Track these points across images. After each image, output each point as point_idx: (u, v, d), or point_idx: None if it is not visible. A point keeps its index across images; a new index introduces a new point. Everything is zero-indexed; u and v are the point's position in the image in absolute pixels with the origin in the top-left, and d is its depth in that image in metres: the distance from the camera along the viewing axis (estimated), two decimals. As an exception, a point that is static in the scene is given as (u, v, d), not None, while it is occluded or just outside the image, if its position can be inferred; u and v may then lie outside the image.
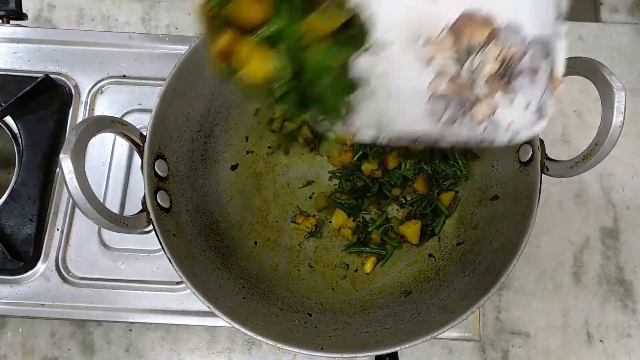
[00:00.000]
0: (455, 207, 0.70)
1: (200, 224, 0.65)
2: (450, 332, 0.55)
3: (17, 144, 0.74)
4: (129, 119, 0.76)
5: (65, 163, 0.44)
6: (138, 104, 0.77)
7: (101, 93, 0.78)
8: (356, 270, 0.70)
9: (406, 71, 0.37)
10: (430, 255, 0.69)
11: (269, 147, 0.75)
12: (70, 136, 0.45)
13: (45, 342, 0.73)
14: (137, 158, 0.73)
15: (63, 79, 0.78)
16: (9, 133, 0.74)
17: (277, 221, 0.73)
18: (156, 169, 0.58)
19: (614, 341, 0.74)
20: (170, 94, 0.59)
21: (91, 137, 0.47)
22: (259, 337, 0.52)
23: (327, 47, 0.37)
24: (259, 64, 0.39)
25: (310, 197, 0.73)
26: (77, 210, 0.72)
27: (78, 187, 0.44)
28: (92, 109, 0.77)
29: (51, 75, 0.75)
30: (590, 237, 0.78)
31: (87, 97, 0.77)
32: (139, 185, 0.67)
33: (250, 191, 0.73)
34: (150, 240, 0.71)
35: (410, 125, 0.40)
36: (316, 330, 0.60)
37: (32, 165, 0.72)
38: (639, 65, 0.86)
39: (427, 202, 0.70)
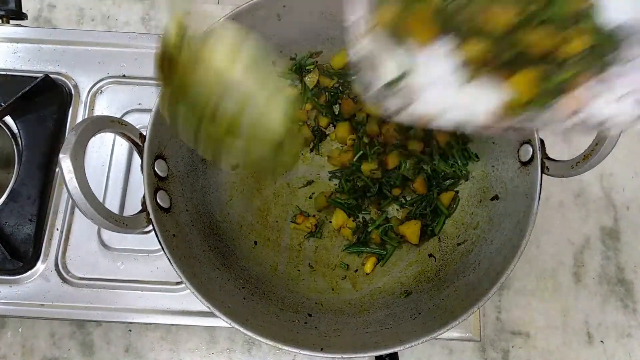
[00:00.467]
0: (455, 207, 0.70)
1: (200, 224, 0.65)
2: (450, 332, 0.55)
3: (17, 144, 0.73)
4: (128, 118, 0.76)
5: (65, 163, 0.44)
6: (138, 104, 0.77)
7: (101, 93, 0.78)
8: (356, 271, 0.70)
9: None
10: (430, 255, 0.68)
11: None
12: (69, 136, 0.45)
13: (44, 342, 0.73)
14: (136, 158, 0.73)
15: (63, 78, 0.78)
16: (8, 133, 0.74)
17: (277, 221, 0.73)
18: (156, 169, 0.58)
19: (614, 341, 0.74)
20: (170, 94, 0.59)
21: (91, 137, 0.47)
22: (259, 338, 0.52)
23: None
24: None
25: (310, 197, 0.73)
26: (76, 210, 0.71)
27: (78, 187, 0.44)
28: (92, 109, 0.77)
29: (51, 75, 0.75)
30: (590, 237, 0.78)
31: (87, 97, 0.77)
32: (139, 185, 0.67)
33: (250, 191, 0.73)
34: (150, 240, 0.71)
35: None
36: (316, 330, 0.60)
37: (31, 165, 0.72)
38: None
39: (427, 202, 0.70)
